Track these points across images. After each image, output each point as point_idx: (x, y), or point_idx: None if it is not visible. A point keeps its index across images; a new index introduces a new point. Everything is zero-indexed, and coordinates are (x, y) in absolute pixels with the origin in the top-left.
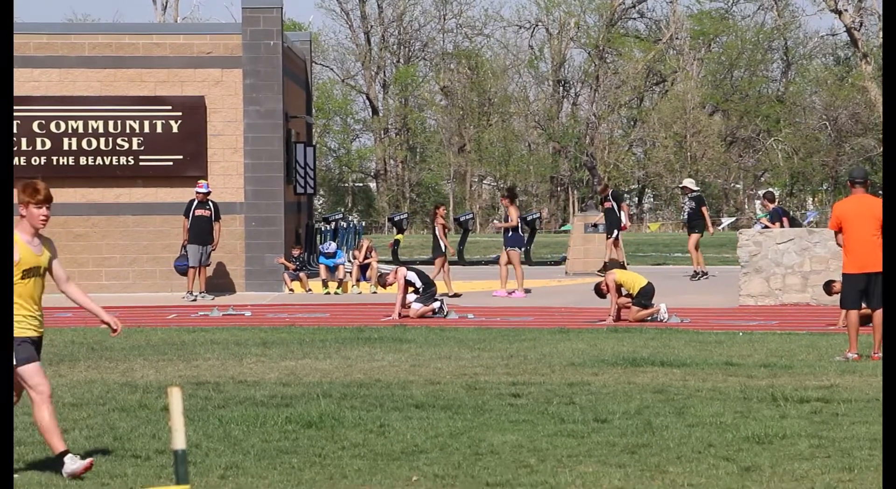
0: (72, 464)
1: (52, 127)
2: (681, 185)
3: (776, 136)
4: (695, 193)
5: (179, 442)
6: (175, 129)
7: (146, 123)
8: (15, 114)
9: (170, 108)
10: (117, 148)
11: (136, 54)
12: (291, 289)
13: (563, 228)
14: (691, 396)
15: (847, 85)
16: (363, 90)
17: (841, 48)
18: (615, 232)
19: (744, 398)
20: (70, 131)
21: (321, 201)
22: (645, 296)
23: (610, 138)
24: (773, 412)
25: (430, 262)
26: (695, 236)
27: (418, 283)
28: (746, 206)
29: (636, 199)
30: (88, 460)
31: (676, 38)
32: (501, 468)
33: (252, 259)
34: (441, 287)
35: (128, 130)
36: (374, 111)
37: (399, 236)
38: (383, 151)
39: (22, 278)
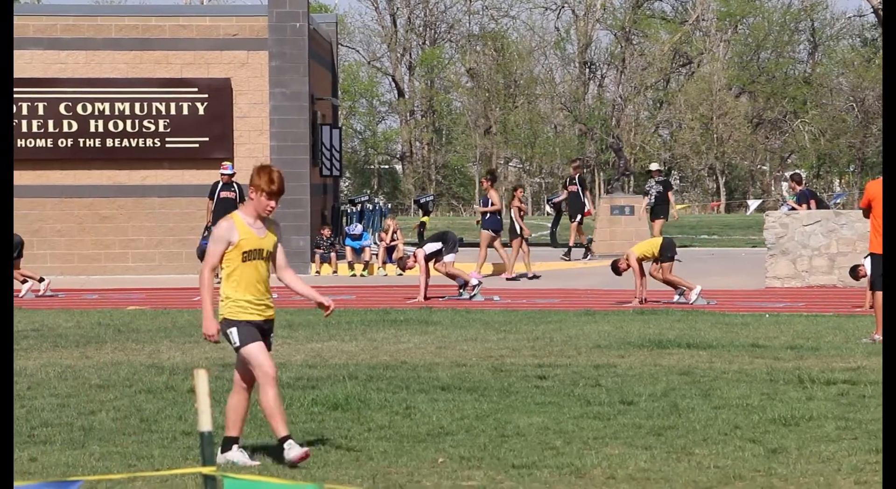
0: (290, 450)
1: (79, 109)
2: (648, 168)
3: (803, 118)
4: (662, 177)
5: (206, 424)
6: (201, 111)
7: (172, 105)
8: (42, 95)
9: (196, 89)
10: (144, 130)
11: (162, 36)
12: (318, 271)
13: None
14: (717, 378)
15: (874, 66)
16: (389, 72)
17: (868, 29)
18: (578, 216)
19: (770, 380)
20: (97, 113)
21: (347, 183)
22: (669, 249)
23: (636, 120)
24: (799, 394)
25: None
26: (659, 222)
27: (437, 246)
28: (773, 188)
29: None
30: (304, 450)
31: (703, 20)
32: (527, 450)
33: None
34: (520, 268)
35: (154, 112)
36: (400, 93)
37: (425, 218)
38: (409, 133)
39: (243, 261)
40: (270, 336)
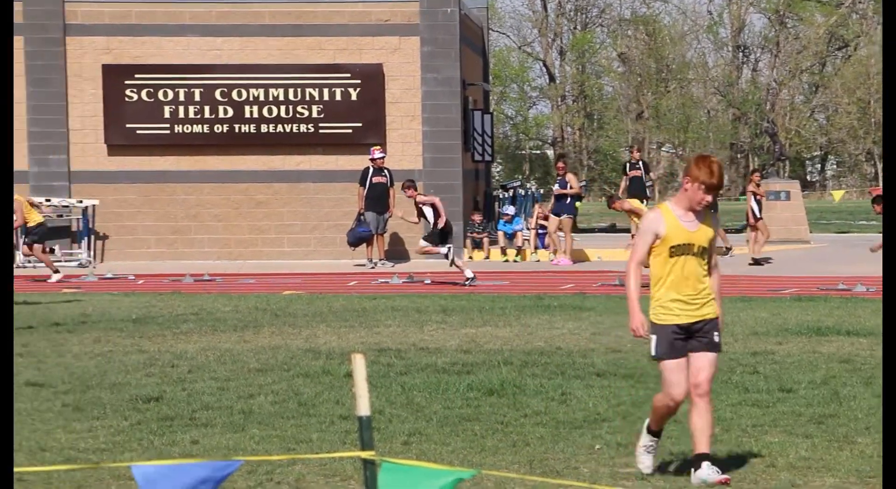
0: (706, 472)
1: (234, 95)
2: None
3: None
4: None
5: (364, 408)
6: (354, 97)
7: (325, 91)
8: (198, 82)
9: (348, 75)
10: (297, 115)
11: (315, 22)
12: (471, 257)
13: (742, 197)
14: (879, 366)
15: None
16: (540, 57)
17: None
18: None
19: None
20: (251, 99)
21: (498, 169)
22: None
23: (791, 104)
24: None
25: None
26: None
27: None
28: None
29: (819, 165)
30: (724, 476)
31: (860, 2)
32: (685, 437)
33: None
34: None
35: (307, 98)
36: (551, 78)
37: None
38: (560, 118)
39: (670, 256)
40: (714, 334)
